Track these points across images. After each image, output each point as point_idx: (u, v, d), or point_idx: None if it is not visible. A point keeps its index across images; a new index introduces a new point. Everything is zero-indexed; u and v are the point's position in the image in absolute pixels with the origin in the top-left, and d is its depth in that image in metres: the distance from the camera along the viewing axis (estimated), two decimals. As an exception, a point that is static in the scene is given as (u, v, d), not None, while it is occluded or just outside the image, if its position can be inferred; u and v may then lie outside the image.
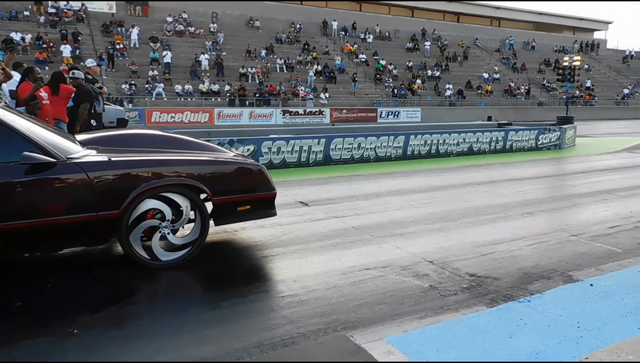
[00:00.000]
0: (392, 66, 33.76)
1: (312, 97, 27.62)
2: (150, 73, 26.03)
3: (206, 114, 23.72)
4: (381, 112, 26.18)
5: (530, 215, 6.36)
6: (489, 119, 16.11)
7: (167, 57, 26.98)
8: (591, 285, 4.02)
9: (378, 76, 32.32)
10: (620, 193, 7.88)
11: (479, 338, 3.14)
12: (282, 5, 37.05)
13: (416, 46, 38.38)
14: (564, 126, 13.69)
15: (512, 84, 35.55)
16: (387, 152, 10.70)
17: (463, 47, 40.18)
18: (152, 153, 4.22)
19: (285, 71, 30.44)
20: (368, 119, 25.72)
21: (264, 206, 4.64)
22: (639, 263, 4.55)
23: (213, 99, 25.82)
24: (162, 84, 25.40)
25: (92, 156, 3.90)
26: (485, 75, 36.28)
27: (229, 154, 4.82)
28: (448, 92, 31.88)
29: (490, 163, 10.80)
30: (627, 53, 51.39)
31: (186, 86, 25.75)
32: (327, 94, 27.79)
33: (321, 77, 30.50)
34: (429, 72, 34.60)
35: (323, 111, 25.68)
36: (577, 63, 18.85)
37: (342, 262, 4.51)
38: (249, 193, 4.48)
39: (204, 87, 26.07)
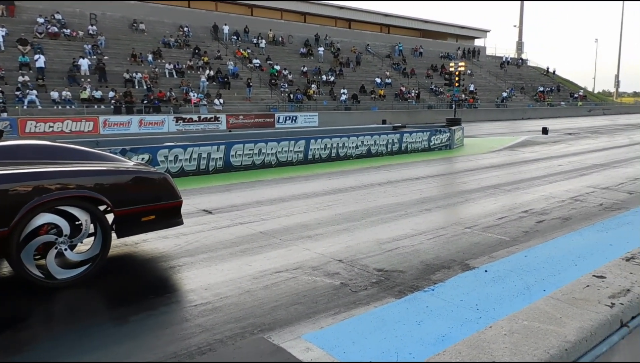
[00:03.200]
0: (286, 71, 34.29)
1: (205, 103, 27.13)
2: (21, 79, 23.81)
3: (90, 123, 22.26)
4: (279, 118, 26.49)
5: (428, 211, 6.91)
6: (384, 122, 17.07)
7: (40, 61, 24.86)
8: (486, 271, 4.49)
9: (273, 81, 32.64)
10: (504, 187, 8.81)
11: (390, 327, 3.39)
12: (169, 7, 35.96)
13: (310, 51, 39.37)
14: (453, 128, 14.95)
15: (403, 89, 37.86)
16: (288, 157, 10.91)
17: (355, 53, 42.00)
18: (43, 165, 3.99)
19: (175, 76, 29.55)
20: (266, 124, 25.88)
21: (170, 215, 4.62)
22: (525, 249, 5.17)
23: (96, 107, 24.30)
24: (35, 91, 23.36)
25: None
26: (378, 80, 38.24)
27: (129, 163, 4.71)
28: (343, 97, 33.11)
29: (388, 164, 11.48)
30: (504, 59, 57.18)
31: (64, 93, 23.92)
32: (221, 100, 27.47)
33: (214, 83, 30.07)
34: (324, 77, 35.67)
35: (219, 117, 25.35)
36: (462, 68, 20.64)
37: (252, 267, 4.57)
38: (153, 203, 4.42)
39: (85, 93, 24.41)
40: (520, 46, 63.03)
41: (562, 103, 49.25)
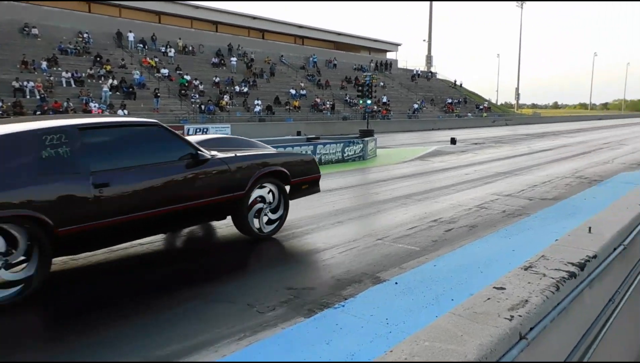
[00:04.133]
0: (197, 82, 33.50)
1: (108, 114, 25.73)
2: None
3: (-31, 137, 20.23)
4: (188, 130, 25.65)
5: (340, 224, 6.89)
6: (299, 133, 17.09)
7: None
8: (396, 283, 4.50)
9: (183, 91, 31.72)
10: (415, 197, 9.06)
11: (298, 349, 3.25)
12: (66, 11, 33.83)
13: (222, 61, 38.83)
14: (366, 139, 15.28)
15: (318, 100, 38.40)
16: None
17: (269, 64, 42.03)
18: (247, 150, 5.99)
19: (73, 86, 27.79)
20: (175, 137, 25.01)
21: (315, 185, 6.56)
22: (434, 259, 5.27)
23: (-22, 119, 22.20)
24: None
25: (220, 154, 5.35)
26: (293, 91, 38.49)
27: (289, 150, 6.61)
28: (257, 108, 32.91)
29: (302, 176, 11.43)
30: (415, 72, 60.01)
31: (-62, 103, 21.64)
32: (125, 111, 26.17)
33: (118, 93, 28.65)
34: (237, 88, 35.28)
35: (123, 130, 24.06)
36: (374, 81, 21.24)
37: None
38: (307, 175, 6.35)
39: (-36, 104, 22.24)
40: (429, 59, 66.56)
41: (469, 114, 52.44)
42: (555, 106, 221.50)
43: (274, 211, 5.89)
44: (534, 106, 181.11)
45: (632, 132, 31.95)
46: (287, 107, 35.75)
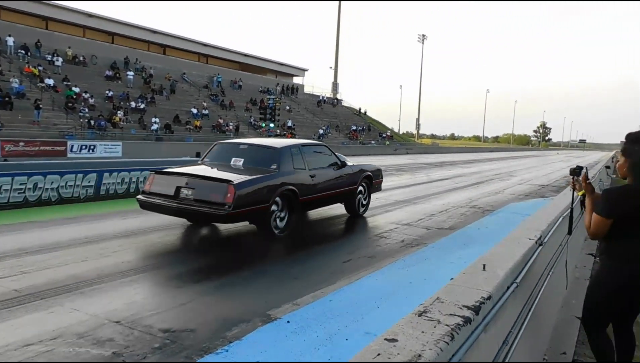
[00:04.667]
0: (87, 95, 31.45)
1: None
2: None
3: None
4: (72, 146, 23.68)
5: (225, 250, 6.49)
6: (198, 155, 16.41)
7: None
8: (288, 321, 4.21)
9: (70, 104, 29.57)
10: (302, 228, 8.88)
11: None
12: None
13: (117, 75, 36.94)
14: (268, 163, 15.03)
15: (221, 121, 37.68)
16: (74, 192, 9.56)
17: (170, 80, 40.70)
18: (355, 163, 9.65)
19: None
20: (55, 153, 22.88)
21: (380, 185, 10.39)
22: (330, 292, 5.06)
23: None
24: None
25: (348, 162, 9.11)
26: (194, 110, 37.46)
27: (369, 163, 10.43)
28: (154, 126, 31.52)
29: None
30: (321, 98, 61.29)
31: None
32: None
33: (-8, 102, 26.03)
34: (133, 104, 33.63)
35: (-7, 144, 21.72)
36: (278, 104, 21.19)
37: (-12, 342, 3.59)
38: (378, 178, 10.16)
39: None
40: (335, 86, 68.42)
41: (372, 142, 54.34)
42: (452, 137, 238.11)
43: (365, 199, 9.65)
44: (433, 136, 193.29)
45: (520, 165, 34.81)
46: (188, 126, 34.66)
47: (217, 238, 7.62)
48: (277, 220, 7.05)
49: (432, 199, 13.09)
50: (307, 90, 63.10)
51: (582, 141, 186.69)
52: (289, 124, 44.00)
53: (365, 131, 57.84)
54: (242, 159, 7.47)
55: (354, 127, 55.58)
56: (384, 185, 11.18)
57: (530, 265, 3.80)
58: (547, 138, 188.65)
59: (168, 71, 42.38)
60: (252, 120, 41.50)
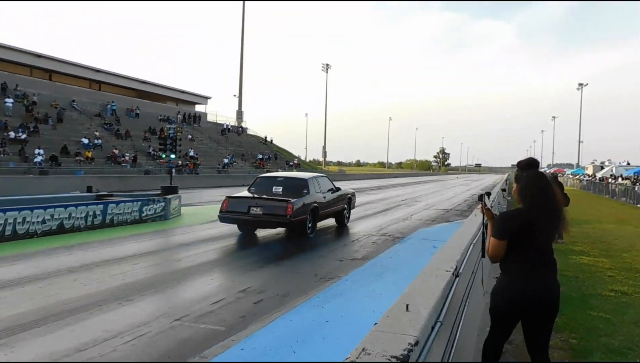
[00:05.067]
0: (-42, 125, 28.52)
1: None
2: None
3: None
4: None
5: (130, 302, 5.92)
6: (89, 189, 15.27)
7: None
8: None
9: (-64, 136, 26.60)
10: (222, 263, 8.49)
11: None
12: None
13: (-6, 102, 33.93)
14: (169, 196, 14.27)
15: (116, 151, 35.75)
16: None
17: (57, 108, 38.08)
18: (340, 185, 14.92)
19: None
20: None
21: (354, 204, 14.88)
22: (242, 339, 4.73)
23: None
24: None
25: (340, 187, 13.70)
26: (85, 140, 35.22)
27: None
28: (38, 158, 29.12)
29: (86, 241, 9.91)
30: (225, 126, 60.48)
31: None
32: None
33: None
34: (12, 134, 30.94)
35: None
36: (179, 134, 20.40)
37: None
38: (354, 198, 14.72)
39: None
40: (240, 114, 68.02)
41: (279, 170, 54.36)
42: (358, 163, 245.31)
43: (347, 213, 13.67)
44: (339, 163, 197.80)
45: (424, 190, 36.38)
46: (78, 158, 32.47)
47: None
48: (309, 226, 10.96)
49: (342, 228, 13.12)
50: (210, 118, 62.04)
51: (478, 165, 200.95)
52: (192, 153, 42.80)
53: (272, 159, 57.79)
54: (281, 187, 11.35)
55: (260, 156, 55.30)
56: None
57: (450, 299, 3.76)
58: (446, 162, 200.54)
59: (54, 98, 39.66)
60: (150, 150, 39.85)
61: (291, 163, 59.84)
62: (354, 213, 14.86)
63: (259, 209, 10.30)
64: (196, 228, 12.59)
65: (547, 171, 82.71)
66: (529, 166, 3.25)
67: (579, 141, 76.05)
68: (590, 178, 45.84)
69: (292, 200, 10.26)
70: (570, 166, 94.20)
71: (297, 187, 11.28)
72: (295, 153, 75.31)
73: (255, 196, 10.82)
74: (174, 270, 7.96)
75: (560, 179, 63.58)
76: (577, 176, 55.50)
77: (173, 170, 20.81)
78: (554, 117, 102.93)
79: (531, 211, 3.07)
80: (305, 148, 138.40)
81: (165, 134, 20.51)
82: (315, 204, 11.09)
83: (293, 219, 10.08)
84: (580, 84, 74.99)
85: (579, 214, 17.86)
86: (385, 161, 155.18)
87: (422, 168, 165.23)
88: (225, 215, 10.73)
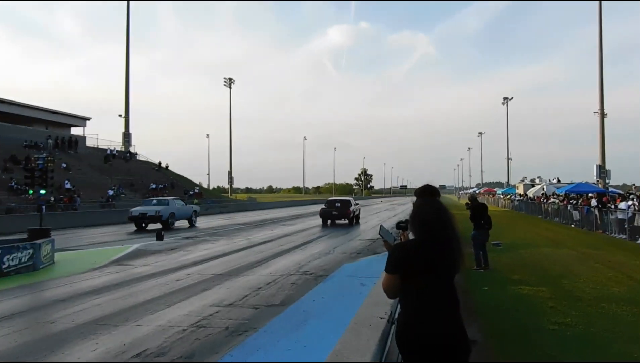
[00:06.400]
0: None
1: None
2: None
3: None
4: None
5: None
6: None
7: None
8: None
9: None
10: (110, 321, 7.98)
11: None
12: None
13: None
14: (38, 241, 13.33)
15: (-30, 188, 33.29)
16: None
17: None
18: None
19: None
20: None
21: (360, 211, 36.52)
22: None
23: None
24: None
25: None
26: None
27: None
28: None
29: None
30: (109, 152, 58.29)
31: None
32: None
33: None
34: None
35: None
36: (50, 165, 19.28)
37: None
38: (360, 207, 37.24)
39: None
40: (127, 137, 65.79)
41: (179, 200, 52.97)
42: (270, 189, 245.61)
43: (357, 217, 33.38)
44: (248, 189, 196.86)
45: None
46: None
47: None
48: (354, 220, 30.99)
49: (256, 268, 12.89)
50: (90, 143, 59.66)
51: (404, 187, 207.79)
52: (67, 185, 40.72)
53: (169, 188, 56.29)
54: (340, 204, 31.07)
55: (154, 185, 53.71)
56: (195, 255, 10.95)
57: (388, 351, 3.70)
58: (369, 185, 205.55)
59: None
60: (14, 183, 37.45)
61: (191, 192, 58.60)
62: (266, 250, 14.72)
63: (337, 210, 31.24)
64: (74, 279, 11.85)
65: (476, 191, 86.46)
66: (423, 193, 3.28)
67: (508, 158, 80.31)
68: (522, 197, 48.62)
69: (350, 207, 31.04)
70: (500, 184, 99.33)
71: (347, 202, 32.85)
72: (197, 180, 74.00)
73: (337, 205, 32.10)
74: (47, 336, 7.36)
75: (491, 198, 67.00)
76: (509, 196, 58.62)
77: (43, 208, 19.56)
78: (480, 133, 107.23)
79: (425, 242, 3.05)
80: (208, 174, 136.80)
81: (33, 164, 19.32)
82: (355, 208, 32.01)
83: (351, 217, 31.08)
84: (505, 98, 79.63)
85: (515, 237, 18.85)
86: (302, 185, 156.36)
87: (343, 192, 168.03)
88: (324, 212, 31.91)
